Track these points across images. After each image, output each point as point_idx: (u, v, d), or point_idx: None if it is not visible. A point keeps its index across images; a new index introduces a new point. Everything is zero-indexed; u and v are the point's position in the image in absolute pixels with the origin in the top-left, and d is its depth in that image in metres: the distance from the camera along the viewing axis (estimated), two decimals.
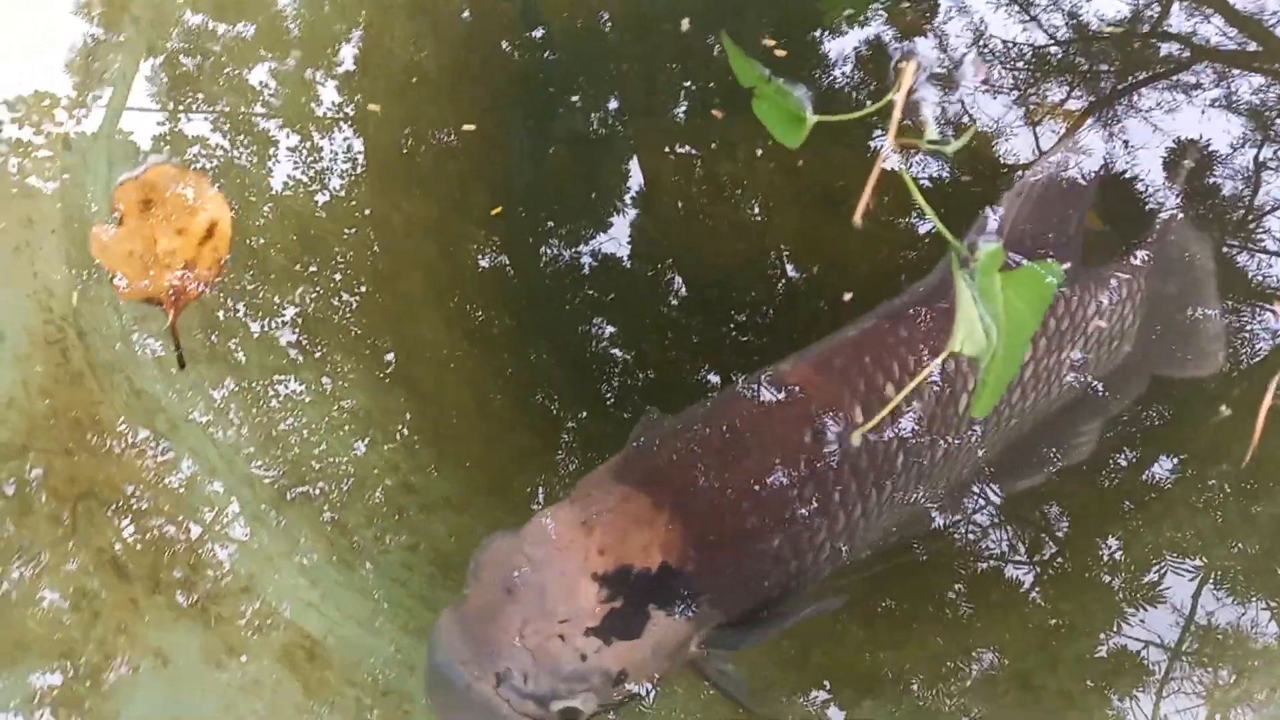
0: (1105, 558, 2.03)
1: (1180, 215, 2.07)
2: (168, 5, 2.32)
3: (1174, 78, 2.20)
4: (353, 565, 2.13)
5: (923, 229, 2.19)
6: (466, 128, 2.34)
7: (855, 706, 2.02)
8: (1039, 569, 2.04)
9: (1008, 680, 2.00)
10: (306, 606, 2.07)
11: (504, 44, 2.42)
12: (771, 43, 2.28)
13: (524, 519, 1.66)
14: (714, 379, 2.18)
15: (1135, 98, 2.20)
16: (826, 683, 2.05)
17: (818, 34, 2.31)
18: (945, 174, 2.21)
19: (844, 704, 2.03)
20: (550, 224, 2.31)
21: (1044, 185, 1.87)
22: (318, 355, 2.20)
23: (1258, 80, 2.18)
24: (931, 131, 2.17)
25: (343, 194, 2.29)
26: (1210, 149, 2.15)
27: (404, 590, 2.13)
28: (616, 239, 2.27)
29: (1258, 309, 2.08)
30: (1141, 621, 1.99)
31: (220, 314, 2.18)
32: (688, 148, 2.31)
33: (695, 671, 1.73)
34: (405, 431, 2.21)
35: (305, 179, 2.29)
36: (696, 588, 1.61)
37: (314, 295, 2.23)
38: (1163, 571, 2.01)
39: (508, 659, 1.54)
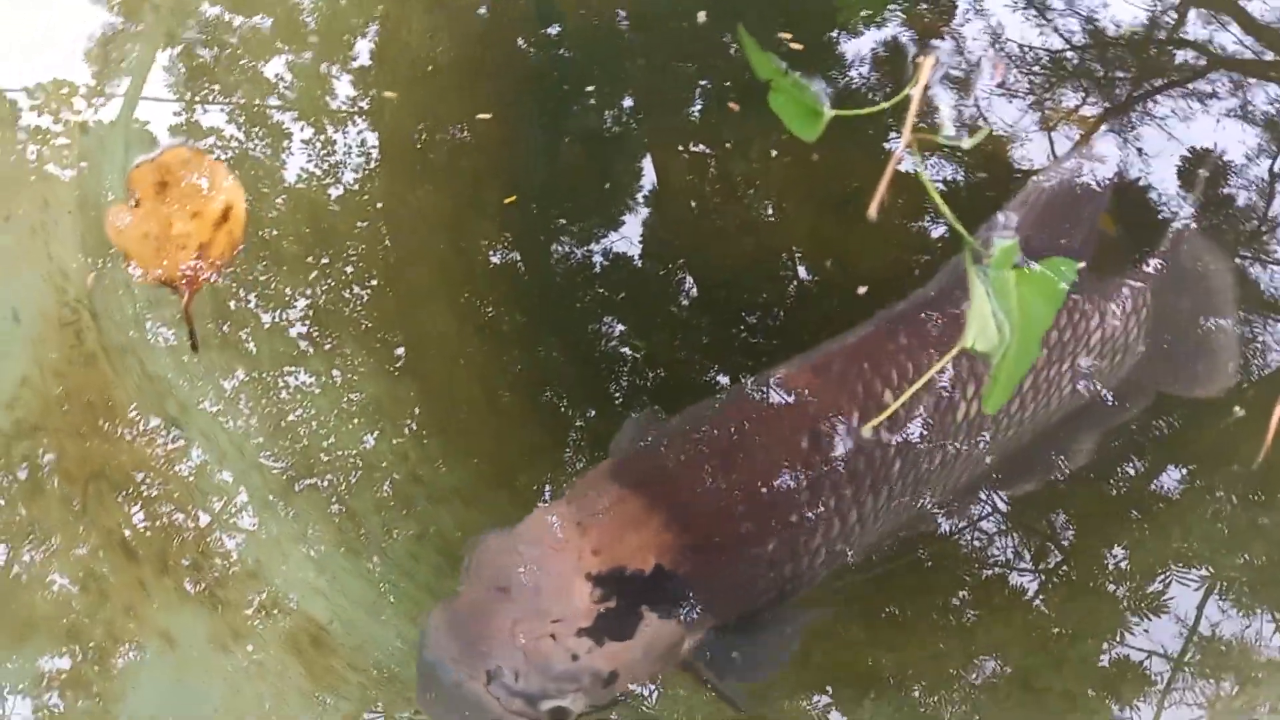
0: (1111, 566, 2.03)
1: (1194, 225, 2.05)
2: None
3: (1190, 85, 2.20)
4: (360, 554, 2.14)
5: (935, 232, 2.19)
6: (481, 116, 2.35)
7: (856, 707, 2.02)
8: (1043, 575, 2.04)
9: (1009, 682, 2.00)
10: (313, 592, 2.08)
11: (519, 41, 2.43)
12: (787, 36, 2.28)
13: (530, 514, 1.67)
14: (724, 379, 2.18)
15: (1150, 105, 2.20)
16: (826, 683, 2.04)
17: (834, 34, 2.32)
18: (959, 177, 2.21)
19: (844, 705, 2.03)
20: (562, 221, 2.31)
21: (1057, 190, 1.87)
22: (328, 347, 2.22)
23: (1274, 90, 2.17)
24: (948, 128, 2.17)
25: (356, 187, 2.30)
26: (1225, 159, 2.15)
27: (410, 580, 2.14)
28: (628, 237, 2.28)
29: (1269, 320, 2.07)
30: (1145, 631, 1.98)
31: (232, 304, 2.19)
32: (701, 146, 2.31)
33: (690, 674, 1.73)
34: (414, 426, 2.21)
35: (319, 171, 2.30)
36: (690, 590, 1.61)
37: (325, 287, 2.24)
38: (1168, 581, 2.00)
39: (498, 657, 1.53)
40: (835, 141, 2.10)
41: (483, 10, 2.45)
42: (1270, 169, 2.14)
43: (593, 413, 2.21)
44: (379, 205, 2.30)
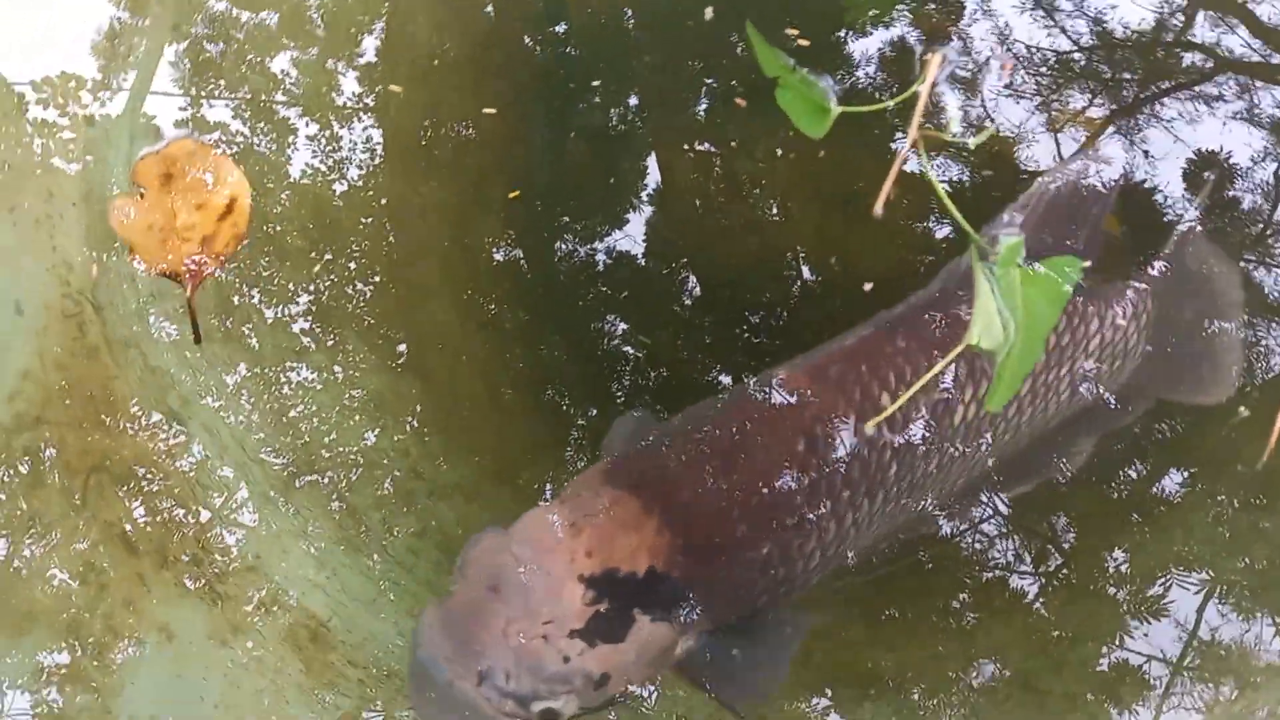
0: (1111, 569, 2.02)
1: (1199, 228, 2.04)
2: None
3: (1197, 88, 2.20)
4: (360, 550, 2.14)
5: (940, 233, 2.18)
6: (487, 111, 2.35)
7: (856, 708, 2.02)
8: (1044, 578, 2.04)
9: (1009, 685, 1.99)
10: (313, 588, 2.09)
11: (525, 37, 2.43)
12: (794, 32, 2.28)
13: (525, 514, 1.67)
14: (726, 379, 2.18)
15: (1157, 107, 2.19)
16: (826, 685, 2.04)
17: (841, 33, 2.32)
18: (965, 177, 2.21)
19: (844, 706, 2.02)
20: (566, 218, 2.31)
21: (1062, 191, 1.86)
22: (331, 343, 2.22)
23: None
24: (955, 125, 2.17)
25: (360, 182, 2.30)
26: (1231, 162, 2.14)
27: (410, 577, 2.14)
28: (632, 235, 2.28)
29: (1275, 322, 2.06)
30: (1145, 635, 1.98)
31: (235, 298, 2.19)
32: (707, 145, 2.31)
33: (685, 676, 1.73)
34: (416, 423, 2.21)
35: (324, 167, 2.30)
36: (683, 594, 1.60)
37: (329, 283, 2.25)
38: (1169, 584, 2.00)
39: (490, 657, 1.53)
40: (841, 141, 2.11)
41: (489, 9, 2.45)
42: (1276, 172, 2.14)
43: (595, 411, 2.21)
44: (383, 201, 2.30)
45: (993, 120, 2.20)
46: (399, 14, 2.41)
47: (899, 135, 2.21)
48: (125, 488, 2.07)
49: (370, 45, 2.38)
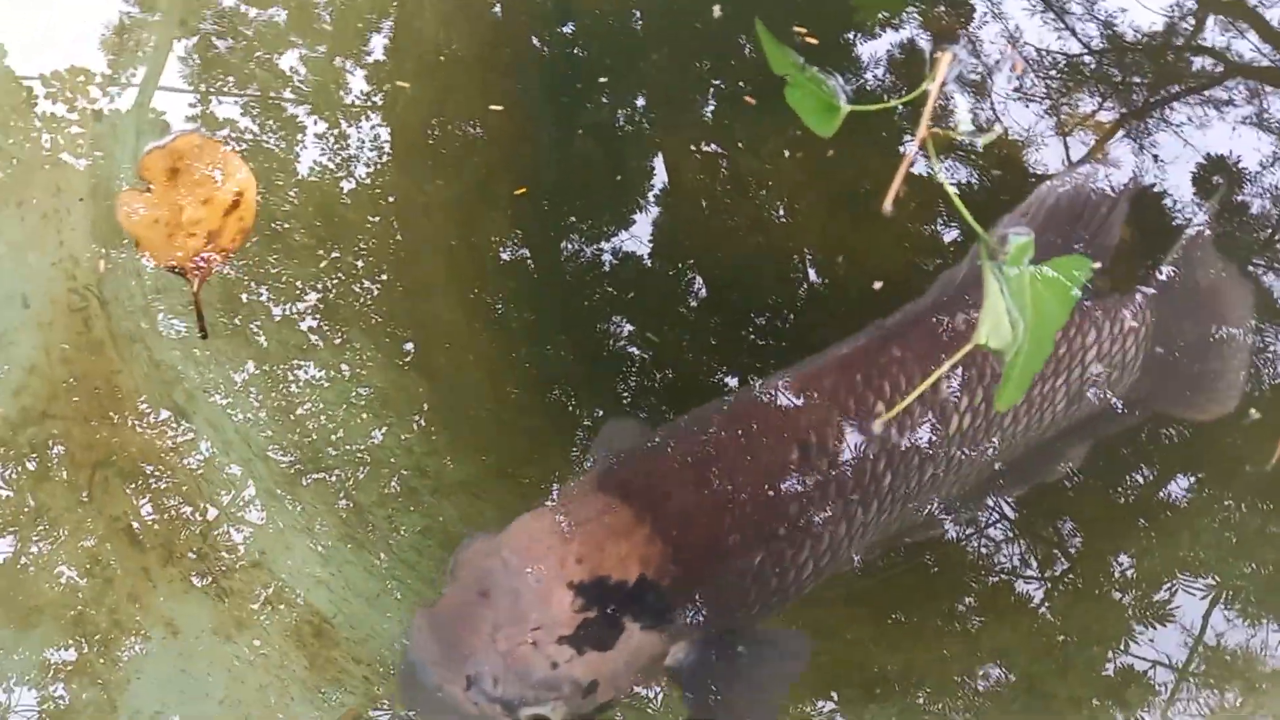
0: (1118, 573, 2.02)
1: (1207, 233, 2.03)
2: None
3: (1206, 92, 2.19)
4: (365, 546, 2.14)
5: (948, 236, 2.18)
6: (494, 108, 2.35)
7: (861, 710, 2.02)
8: (1050, 582, 2.03)
9: (1014, 688, 1.99)
10: (318, 585, 2.09)
11: (533, 36, 2.43)
12: (802, 30, 2.27)
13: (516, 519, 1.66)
14: (732, 380, 2.18)
15: (1167, 111, 2.19)
16: (831, 686, 2.04)
17: (849, 34, 2.31)
18: (974, 179, 2.20)
19: (848, 708, 2.02)
20: (573, 218, 2.31)
21: (1070, 194, 1.85)
22: (338, 340, 2.22)
23: None
24: (965, 124, 2.16)
25: (368, 180, 2.30)
26: (1240, 166, 2.14)
27: (415, 575, 2.14)
28: (638, 235, 2.27)
29: None
30: (1151, 640, 1.97)
31: (243, 295, 2.20)
32: (714, 145, 2.31)
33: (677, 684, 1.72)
34: (422, 421, 2.21)
35: (331, 164, 2.30)
36: (674, 602, 1.60)
37: (336, 280, 2.24)
38: (1174, 589, 1.99)
39: (478, 662, 1.53)
40: (849, 141, 2.10)
41: (497, 7, 2.45)
42: None
43: (600, 411, 2.21)
44: (390, 199, 2.30)
45: (1002, 122, 2.20)
46: (406, 10, 2.41)
47: (907, 136, 2.20)
48: (132, 483, 2.07)
49: (378, 42, 2.38)
